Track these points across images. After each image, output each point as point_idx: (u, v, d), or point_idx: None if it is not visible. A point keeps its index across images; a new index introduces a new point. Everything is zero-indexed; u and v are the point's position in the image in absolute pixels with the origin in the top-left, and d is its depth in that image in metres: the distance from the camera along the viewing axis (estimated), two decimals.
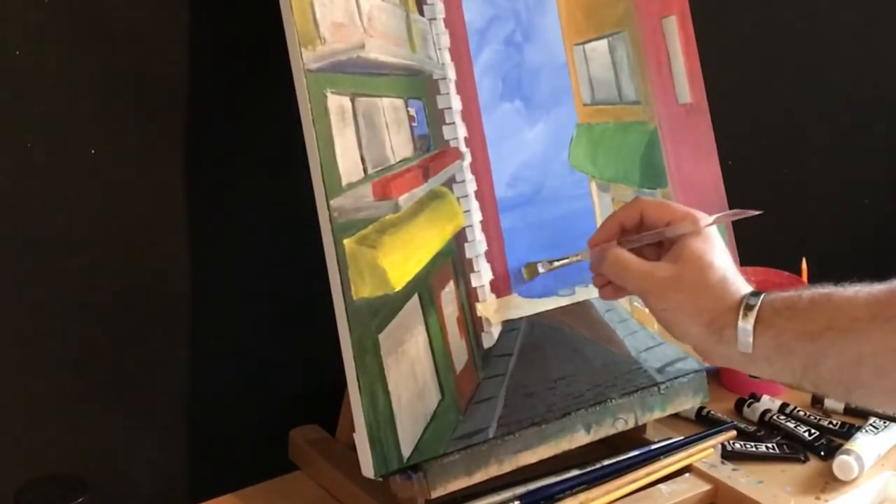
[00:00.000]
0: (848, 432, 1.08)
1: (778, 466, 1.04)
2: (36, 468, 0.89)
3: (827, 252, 1.33)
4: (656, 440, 1.02)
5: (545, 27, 1.02)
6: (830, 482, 1.02)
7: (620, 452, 0.98)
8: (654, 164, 1.08)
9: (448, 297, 0.92)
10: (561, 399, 0.96)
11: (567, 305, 0.99)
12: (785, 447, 1.06)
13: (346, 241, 0.85)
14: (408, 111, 0.92)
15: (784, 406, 1.13)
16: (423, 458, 0.87)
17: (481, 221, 0.95)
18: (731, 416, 1.13)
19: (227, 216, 1.02)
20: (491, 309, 0.95)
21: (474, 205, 0.95)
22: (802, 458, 1.05)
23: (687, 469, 1.00)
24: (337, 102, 0.87)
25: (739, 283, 0.80)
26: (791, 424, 1.10)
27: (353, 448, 0.87)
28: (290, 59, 0.86)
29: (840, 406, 1.14)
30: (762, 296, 0.78)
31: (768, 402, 1.14)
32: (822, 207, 1.46)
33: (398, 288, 0.88)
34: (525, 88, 1.00)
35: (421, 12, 0.94)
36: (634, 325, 1.02)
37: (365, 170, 0.88)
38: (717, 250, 0.81)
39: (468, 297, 0.94)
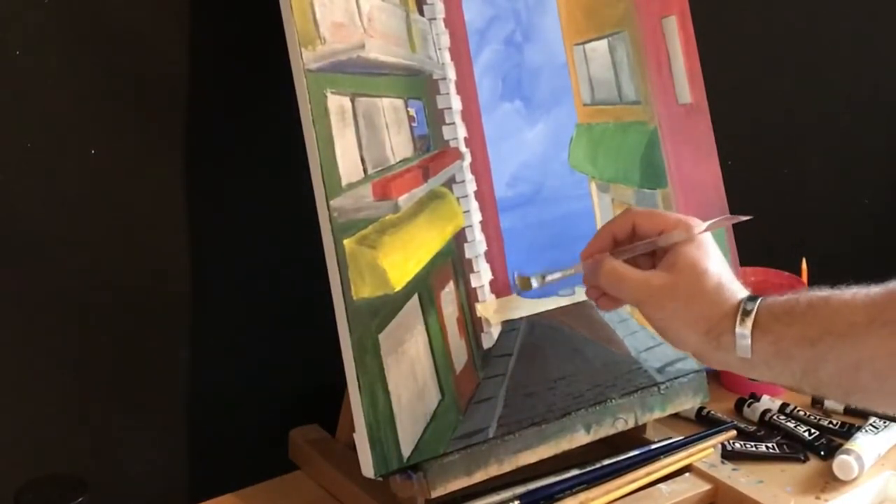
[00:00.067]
0: (848, 432, 1.08)
1: (778, 466, 1.04)
2: (36, 468, 0.89)
3: (827, 252, 1.33)
4: (656, 440, 1.02)
5: (545, 27, 1.02)
6: (830, 482, 1.02)
7: (620, 452, 0.98)
8: (654, 164, 1.08)
9: (448, 298, 0.92)
10: (561, 399, 0.96)
11: (567, 305, 0.99)
12: (785, 447, 1.06)
13: (346, 242, 0.86)
14: (408, 111, 0.92)
15: (784, 406, 1.13)
16: (423, 457, 0.87)
17: (481, 221, 0.95)
18: (731, 416, 1.13)
19: (227, 216, 1.02)
20: (491, 309, 0.95)
21: (474, 205, 0.95)
22: (802, 458, 1.05)
23: (687, 469, 1.00)
24: (337, 102, 0.87)
25: (735, 288, 0.80)
26: (791, 424, 1.10)
27: (353, 448, 0.87)
28: (290, 59, 0.86)
29: (840, 406, 1.14)
30: (759, 300, 0.78)
31: (768, 402, 1.14)
32: (822, 207, 1.46)
33: (398, 288, 0.88)
34: (525, 88, 1.00)
35: (421, 12, 0.94)
36: (634, 325, 1.02)
37: (365, 170, 0.88)
38: (711, 256, 0.81)
39: (468, 298, 0.94)
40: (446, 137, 0.94)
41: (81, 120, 0.92)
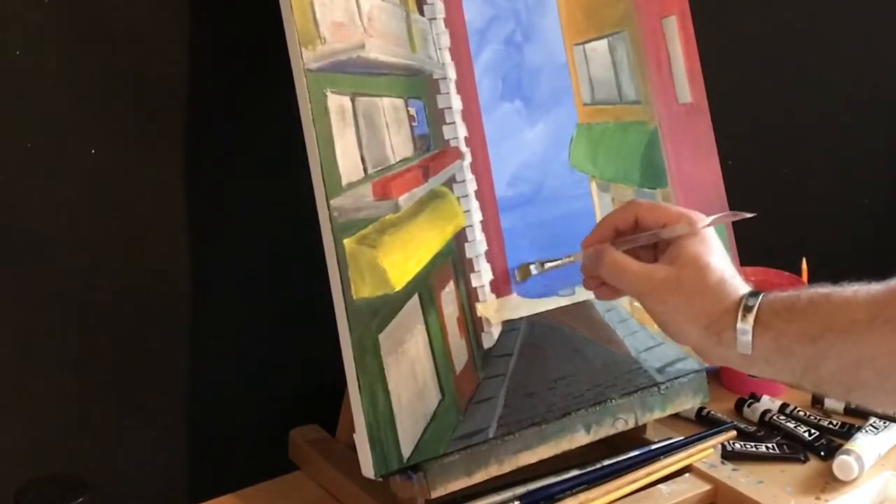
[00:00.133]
0: (848, 432, 1.08)
1: (778, 466, 1.04)
2: (36, 468, 0.89)
3: (827, 252, 1.33)
4: (656, 440, 1.02)
5: (545, 27, 1.02)
6: (830, 482, 1.02)
7: (620, 452, 0.98)
8: (654, 163, 1.08)
9: (448, 297, 0.92)
10: (561, 399, 0.96)
11: (567, 305, 0.99)
12: (785, 447, 1.06)
13: (346, 241, 0.85)
14: (408, 111, 0.92)
15: (784, 406, 1.13)
16: (423, 458, 0.87)
17: (481, 221, 0.95)
18: (731, 416, 1.13)
19: (227, 216, 1.02)
20: (491, 309, 0.95)
21: (474, 205, 0.95)
22: (802, 458, 1.05)
23: (687, 469, 1.00)
24: (337, 102, 0.87)
25: (737, 284, 0.80)
26: (791, 424, 1.10)
27: (353, 448, 0.87)
28: (290, 59, 0.86)
29: (840, 406, 1.14)
30: (760, 296, 0.78)
31: (768, 402, 1.14)
32: (822, 207, 1.46)
33: (398, 288, 0.88)
34: (525, 88, 1.00)
35: (421, 12, 0.94)
36: (634, 325, 1.02)
37: (365, 169, 0.88)
38: (714, 251, 0.81)
39: (468, 297, 0.94)
40: (446, 137, 0.94)
41: (81, 120, 0.92)
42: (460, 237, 0.94)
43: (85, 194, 0.93)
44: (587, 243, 0.87)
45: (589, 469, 0.96)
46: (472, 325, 0.93)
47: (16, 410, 0.93)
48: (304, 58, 0.85)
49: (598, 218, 1.03)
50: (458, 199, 0.94)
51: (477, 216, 0.95)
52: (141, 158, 0.96)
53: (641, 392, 1.00)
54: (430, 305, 0.90)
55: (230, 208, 1.02)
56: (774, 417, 1.11)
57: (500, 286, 0.96)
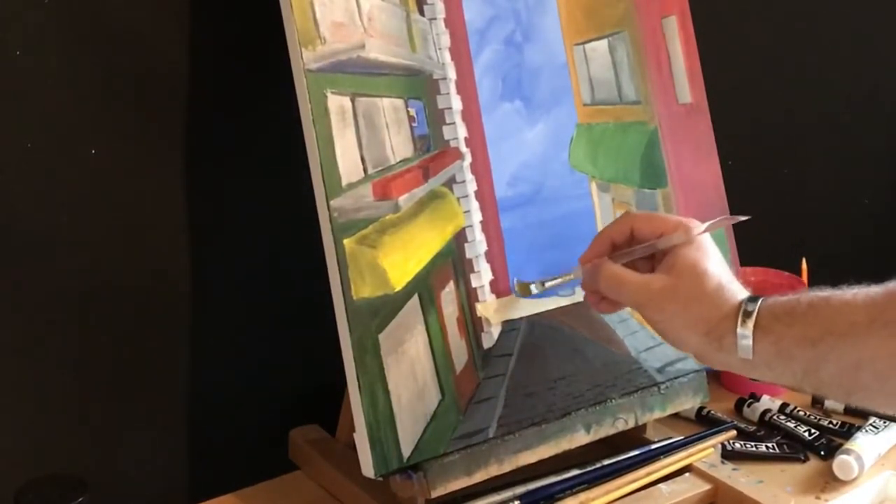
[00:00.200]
0: (848, 432, 1.08)
1: (778, 466, 1.04)
2: (36, 468, 0.89)
3: (827, 252, 1.33)
4: (656, 440, 1.02)
5: (545, 27, 1.02)
6: (830, 482, 1.02)
7: (620, 452, 0.98)
8: (654, 164, 1.08)
9: (448, 298, 0.92)
10: (561, 399, 0.96)
11: (567, 305, 0.99)
12: (785, 447, 1.06)
13: (346, 241, 0.86)
14: (408, 111, 0.92)
15: (784, 406, 1.13)
16: (423, 457, 0.87)
17: (481, 221, 0.95)
18: (731, 416, 1.13)
19: (227, 216, 1.02)
20: (491, 309, 0.95)
21: (474, 205, 0.95)
22: (802, 458, 1.05)
23: (687, 469, 1.00)
24: (337, 102, 0.87)
25: (736, 289, 0.80)
26: (791, 424, 1.10)
27: (353, 448, 0.87)
28: (290, 59, 0.86)
29: (840, 406, 1.14)
30: (760, 301, 0.78)
31: (768, 402, 1.14)
32: (822, 207, 1.46)
33: (398, 288, 0.88)
34: (525, 88, 1.00)
35: (421, 12, 0.94)
36: (634, 325, 1.02)
37: (365, 170, 0.88)
38: (710, 257, 0.81)
39: (468, 297, 0.94)
40: (446, 137, 0.94)
41: (81, 120, 0.92)
42: (460, 237, 0.94)
43: (85, 194, 0.93)
44: (585, 259, 0.87)
45: (589, 469, 0.96)
46: (472, 325, 0.93)
47: (16, 410, 0.93)
48: (304, 58, 0.85)
49: (598, 218, 1.03)
50: (458, 199, 0.94)
51: (477, 216, 0.95)
52: (141, 158, 0.96)
53: (641, 392, 1.00)
54: (430, 305, 0.90)
55: (230, 208, 1.02)
56: (774, 417, 1.11)
57: (500, 286, 0.96)
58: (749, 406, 1.14)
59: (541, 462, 0.94)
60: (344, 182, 0.86)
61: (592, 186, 1.04)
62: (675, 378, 1.03)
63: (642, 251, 0.84)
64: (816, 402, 1.15)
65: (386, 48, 0.90)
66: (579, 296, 0.98)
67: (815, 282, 0.83)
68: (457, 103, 0.95)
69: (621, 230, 0.85)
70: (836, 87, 1.43)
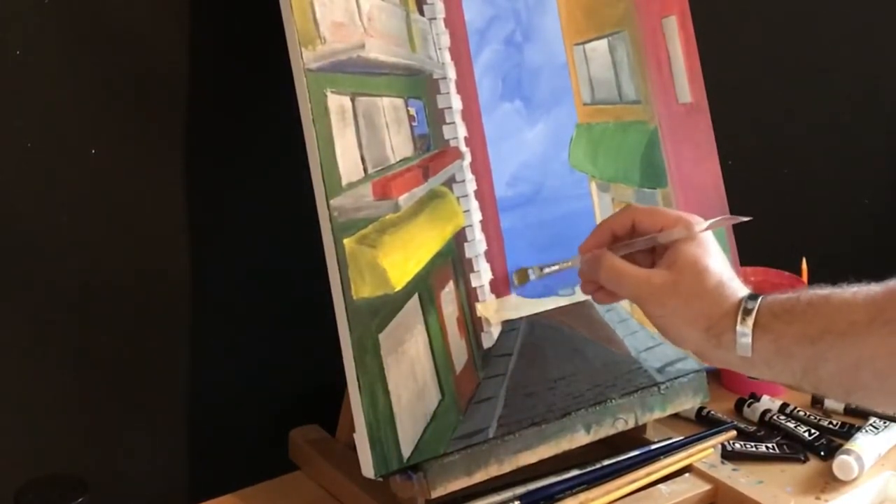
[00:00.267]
0: (848, 432, 1.08)
1: (778, 466, 1.04)
2: (36, 468, 0.89)
3: (827, 252, 1.33)
4: (656, 440, 1.02)
5: (545, 27, 1.02)
6: (830, 482, 1.02)
7: (620, 452, 0.98)
8: (654, 163, 1.08)
9: (448, 297, 0.92)
10: (561, 399, 0.96)
11: (567, 305, 0.99)
12: (785, 447, 1.06)
13: (346, 241, 0.86)
14: (408, 111, 0.92)
15: (784, 406, 1.13)
16: (423, 458, 0.87)
17: (481, 221, 0.95)
18: (731, 416, 1.13)
19: (227, 216, 1.02)
20: (491, 309, 0.95)
21: (474, 205, 0.95)
22: (802, 458, 1.05)
23: (687, 469, 1.00)
24: (337, 102, 0.87)
25: (736, 287, 0.80)
26: (791, 424, 1.10)
27: (353, 448, 0.87)
28: (290, 59, 0.86)
29: (840, 406, 1.14)
30: (760, 299, 0.78)
31: (768, 402, 1.14)
32: (822, 207, 1.46)
33: (398, 288, 0.88)
34: (525, 88, 1.00)
35: (421, 12, 0.94)
36: (634, 325, 1.02)
37: (365, 169, 0.88)
38: (712, 254, 0.81)
39: (468, 297, 0.94)
40: (446, 137, 0.94)
41: (81, 120, 0.92)
42: (460, 237, 0.94)
43: (85, 194, 0.93)
44: (585, 248, 0.87)
45: (589, 469, 0.96)
46: (471, 325, 0.93)
47: (16, 410, 0.93)
48: (304, 58, 0.85)
49: (598, 218, 1.03)
50: (458, 198, 0.94)
51: (477, 216, 0.95)
52: (141, 158, 0.96)
53: (641, 392, 1.00)
54: (430, 305, 0.90)
55: (230, 208, 1.02)
56: (774, 417, 1.11)
57: (500, 286, 0.96)
58: (749, 406, 1.14)
59: (541, 462, 0.94)
60: (344, 182, 0.86)
61: (592, 186, 1.04)
62: (675, 378, 1.03)
63: (643, 244, 0.84)
64: (816, 403, 1.15)
65: (386, 48, 0.90)
66: (579, 296, 0.98)
67: (815, 282, 0.82)
68: (457, 103, 0.95)
69: (623, 222, 0.86)
70: (836, 87, 1.43)
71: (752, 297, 0.79)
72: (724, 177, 1.13)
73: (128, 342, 0.98)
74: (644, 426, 1.03)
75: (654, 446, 1.00)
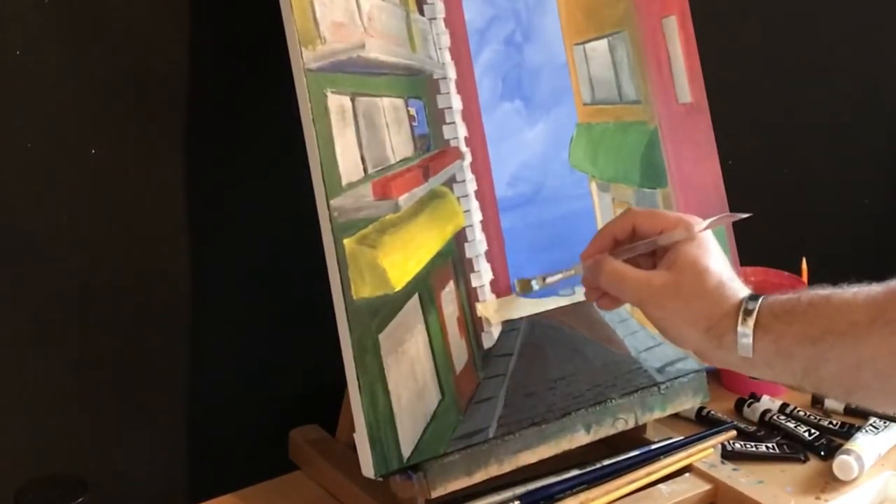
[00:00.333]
0: (848, 432, 1.08)
1: (778, 466, 1.04)
2: (36, 468, 0.89)
3: (827, 252, 1.33)
4: (656, 440, 1.02)
5: (545, 27, 1.02)
6: (830, 482, 1.02)
7: (620, 452, 0.98)
8: (654, 163, 1.08)
9: (448, 297, 0.92)
10: (561, 399, 0.96)
11: (567, 305, 0.99)
12: (785, 447, 1.06)
13: (346, 241, 0.85)
14: (408, 111, 0.92)
15: (784, 406, 1.13)
16: (423, 457, 0.87)
17: (481, 221, 0.95)
18: (731, 416, 1.13)
19: (227, 216, 1.02)
20: (491, 309, 0.95)
21: (474, 204, 0.95)
22: (802, 458, 1.05)
23: (687, 469, 1.00)
24: (337, 102, 0.87)
25: (737, 287, 0.80)
26: (791, 424, 1.10)
27: (353, 448, 0.87)
28: (290, 59, 0.86)
29: (840, 406, 1.14)
30: (760, 300, 0.78)
31: (768, 402, 1.14)
32: (822, 207, 1.46)
33: (398, 288, 0.88)
34: (525, 88, 1.00)
35: (421, 12, 0.94)
36: (634, 325, 1.02)
37: (365, 169, 0.88)
38: (712, 255, 0.81)
39: (468, 297, 0.94)
40: (446, 137, 0.94)
41: (81, 120, 0.92)
42: (460, 237, 0.94)
43: (85, 194, 0.93)
44: (586, 255, 0.87)
45: (589, 469, 0.96)
46: (472, 325, 0.93)
47: (16, 410, 0.93)
48: (304, 58, 0.85)
49: (598, 218, 1.03)
50: (458, 198, 0.94)
51: (477, 216, 0.95)
52: (141, 158, 0.96)
53: (641, 392, 1.00)
54: (430, 305, 0.90)
55: (230, 208, 1.02)
56: (774, 417, 1.11)
57: (500, 286, 0.96)
58: (749, 406, 1.14)
59: (541, 462, 0.94)
60: (344, 182, 0.86)
61: (592, 186, 1.04)
62: (675, 378, 1.03)
63: (644, 247, 0.84)
64: (816, 403, 1.15)
65: (386, 48, 0.90)
66: (579, 296, 0.98)
67: (815, 282, 0.82)
68: (457, 103, 0.95)
69: (623, 226, 0.86)
70: (836, 87, 1.43)
71: (753, 297, 0.79)
72: (724, 177, 1.13)
73: (128, 342, 0.98)
74: (644, 426, 1.03)
75: (654, 446, 1.00)
